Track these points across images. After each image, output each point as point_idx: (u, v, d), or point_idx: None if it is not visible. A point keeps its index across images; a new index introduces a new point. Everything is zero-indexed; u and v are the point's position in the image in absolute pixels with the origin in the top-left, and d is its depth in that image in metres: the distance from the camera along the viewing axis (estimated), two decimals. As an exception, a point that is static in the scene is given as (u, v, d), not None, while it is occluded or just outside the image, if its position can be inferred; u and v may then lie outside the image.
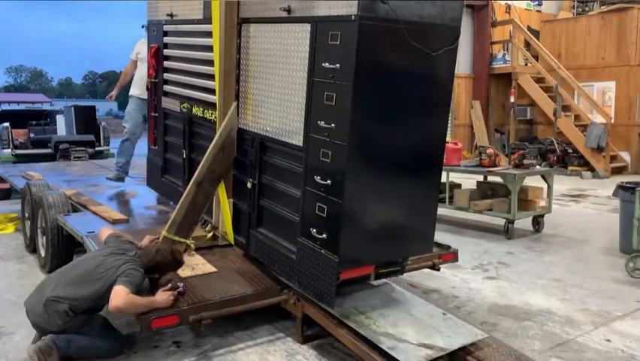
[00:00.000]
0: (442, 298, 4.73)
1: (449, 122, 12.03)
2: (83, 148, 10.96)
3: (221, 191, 4.35)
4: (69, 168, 9.02)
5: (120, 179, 6.79)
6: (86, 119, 12.46)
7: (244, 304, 3.67)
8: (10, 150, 10.94)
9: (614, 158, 13.38)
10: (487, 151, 7.32)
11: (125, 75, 6.95)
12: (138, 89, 6.45)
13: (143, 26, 5.92)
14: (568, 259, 5.99)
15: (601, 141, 12.68)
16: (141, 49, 6.36)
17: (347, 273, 3.41)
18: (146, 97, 6.04)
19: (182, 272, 3.93)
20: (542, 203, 7.08)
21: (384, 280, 3.97)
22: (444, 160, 3.81)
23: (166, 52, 5.36)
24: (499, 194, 7.21)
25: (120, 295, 3.30)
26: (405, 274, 4.02)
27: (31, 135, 12.14)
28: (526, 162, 7.13)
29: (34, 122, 12.83)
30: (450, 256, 4.65)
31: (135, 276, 3.44)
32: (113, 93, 7.33)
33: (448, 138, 9.26)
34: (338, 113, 3.19)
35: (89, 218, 5.24)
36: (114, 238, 3.94)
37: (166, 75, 5.39)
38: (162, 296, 3.43)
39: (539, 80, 14.54)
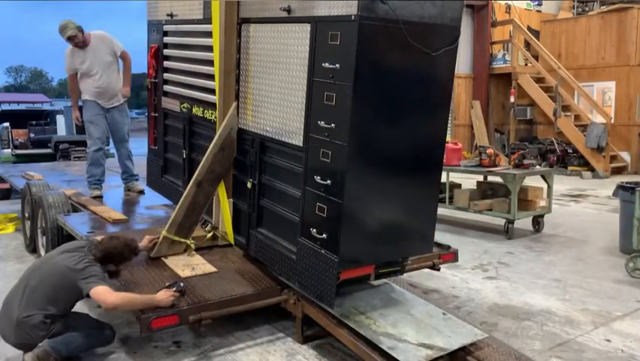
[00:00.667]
0: (442, 298, 4.73)
1: (449, 122, 12.05)
2: (83, 148, 10.92)
3: (221, 191, 4.36)
4: (69, 168, 9.02)
5: (99, 196, 6.08)
6: (86, 120, 12.43)
7: (244, 304, 3.66)
8: (10, 150, 10.94)
9: (614, 158, 13.38)
10: (487, 151, 7.32)
11: (75, 93, 6.22)
12: (89, 94, 6.04)
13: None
14: (568, 259, 5.99)
15: (601, 141, 12.68)
16: (73, 61, 5.97)
17: (347, 273, 3.41)
18: (100, 100, 6.01)
19: (182, 272, 3.93)
20: (542, 203, 7.08)
21: (384, 280, 3.97)
22: (444, 160, 3.81)
23: (166, 52, 5.36)
24: (499, 194, 7.21)
25: (108, 294, 3.28)
26: (405, 274, 4.02)
27: (31, 135, 12.15)
28: (526, 162, 7.13)
29: (34, 122, 12.84)
30: (450, 256, 4.65)
31: (96, 270, 3.39)
32: (77, 114, 6.33)
33: (448, 138, 9.27)
34: (338, 113, 3.19)
35: (89, 218, 5.25)
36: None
37: (166, 75, 5.39)
38: (164, 295, 3.41)
39: (539, 80, 14.54)
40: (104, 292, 3.30)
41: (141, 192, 6.40)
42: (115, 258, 3.64)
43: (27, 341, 3.35)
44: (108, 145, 6.41)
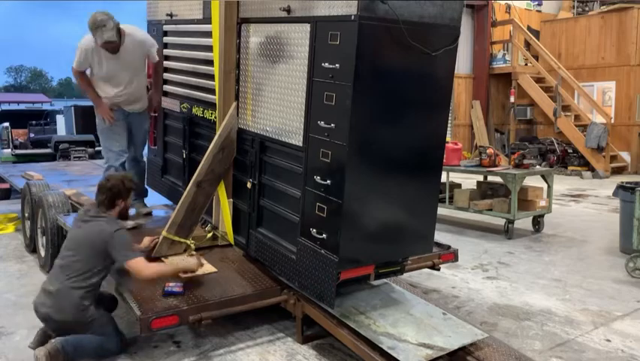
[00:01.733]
0: (442, 298, 4.73)
1: (449, 122, 12.06)
2: (83, 148, 10.96)
3: (221, 191, 4.36)
4: (69, 168, 9.01)
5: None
6: (86, 119, 12.43)
7: (244, 304, 3.66)
8: (10, 150, 10.94)
9: (614, 158, 13.39)
10: (487, 151, 7.33)
11: (90, 86, 4.91)
12: (107, 98, 4.92)
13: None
14: (568, 259, 5.99)
15: (601, 141, 12.68)
16: (89, 59, 4.76)
17: (347, 273, 3.40)
18: (120, 105, 4.94)
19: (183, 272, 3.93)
20: (542, 203, 7.08)
21: (384, 280, 3.97)
22: (444, 160, 3.80)
23: (166, 52, 5.35)
24: (499, 194, 7.21)
25: (144, 268, 3.52)
26: (405, 274, 4.02)
27: (31, 135, 12.15)
28: (526, 162, 7.12)
29: (34, 122, 12.84)
30: (450, 255, 4.65)
31: (124, 236, 3.58)
32: (106, 110, 4.91)
33: (448, 138, 9.29)
34: (338, 113, 3.19)
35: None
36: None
37: (166, 75, 5.39)
38: (191, 260, 3.78)
39: (539, 80, 14.54)
40: (140, 266, 3.51)
41: (149, 214, 5.31)
42: (121, 193, 3.73)
43: (55, 313, 3.44)
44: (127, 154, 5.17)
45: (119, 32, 4.62)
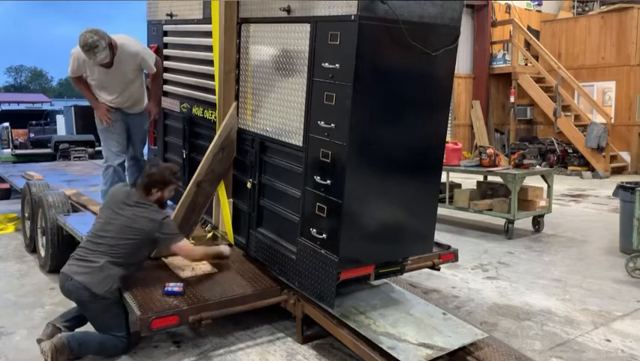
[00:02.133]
0: (442, 298, 4.73)
1: (449, 122, 12.06)
2: (83, 148, 10.94)
3: (221, 191, 4.36)
4: (69, 168, 9.01)
5: None
6: (86, 120, 12.40)
7: (244, 304, 3.66)
8: (10, 150, 10.93)
9: (614, 158, 13.39)
10: (487, 151, 7.33)
11: (87, 89, 4.98)
12: (104, 101, 4.97)
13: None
14: (568, 259, 5.99)
15: (601, 141, 12.68)
16: (81, 68, 4.83)
17: (347, 273, 3.40)
18: (116, 105, 4.96)
19: (183, 272, 3.93)
20: (542, 203, 7.08)
21: (384, 280, 3.97)
22: (444, 160, 3.80)
23: (166, 52, 5.35)
24: (499, 194, 7.21)
25: (191, 249, 3.87)
26: (405, 274, 4.02)
27: (31, 135, 12.14)
28: (526, 162, 7.13)
29: (34, 122, 12.83)
30: (450, 256, 4.65)
31: (170, 223, 3.79)
32: (104, 112, 4.96)
33: (448, 138, 9.29)
34: (338, 113, 3.19)
35: (89, 218, 5.23)
36: (119, 191, 3.97)
37: (166, 75, 5.38)
38: (224, 248, 4.09)
39: (539, 80, 14.54)
40: (189, 247, 3.85)
41: None
42: (158, 183, 3.82)
43: (87, 281, 3.45)
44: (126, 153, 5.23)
45: (112, 47, 4.60)
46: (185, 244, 3.81)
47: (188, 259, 3.93)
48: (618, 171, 13.36)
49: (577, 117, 14.09)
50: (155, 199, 3.81)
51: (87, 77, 4.90)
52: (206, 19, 4.48)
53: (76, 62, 4.78)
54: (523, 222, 7.28)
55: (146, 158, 5.79)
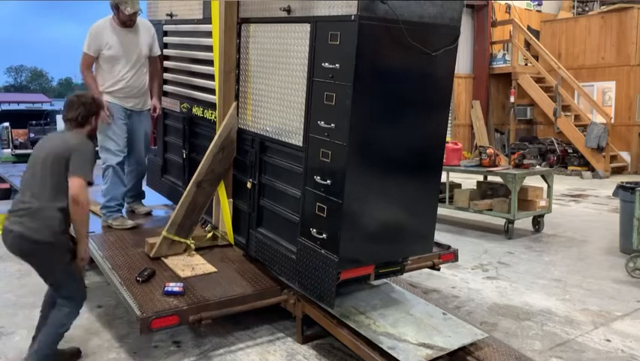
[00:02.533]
0: (442, 298, 4.73)
1: (449, 122, 12.05)
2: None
3: (221, 191, 4.36)
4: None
5: (123, 224, 4.89)
6: (86, 120, 12.43)
7: (244, 304, 3.66)
8: (10, 150, 10.94)
9: (614, 158, 13.38)
10: (487, 151, 7.32)
11: (94, 80, 4.85)
12: (108, 94, 4.84)
13: None
14: (568, 259, 5.99)
15: (601, 141, 12.68)
16: (99, 40, 4.76)
17: (347, 273, 3.40)
18: (122, 101, 4.87)
19: (182, 272, 3.93)
20: (542, 203, 7.08)
21: (384, 280, 3.97)
22: (444, 160, 3.81)
23: (166, 52, 5.36)
24: (499, 194, 7.21)
25: (84, 192, 3.15)
26: (405, 274, 4.02)
27: (31, 135, 12.13)
28: (526, 162, 7.13)
29: (34, 122, 12.82)
30: (450, 255, 4.66)
31: (90, 149, 3.28)
32: (108, 113, 4.77)
33: (448, 138, 9.29)
34: (338, 113, 3.19)
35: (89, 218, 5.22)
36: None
37: (166, 75, 5.39)
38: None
39: (539, 80, 14.53)
40: (82, 187, 3.15)
41: (148, 214, 5.35)
42: (91, 112, 3.46)
43: (32, 233, 3.14)
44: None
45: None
46: (81, 185, 3.15)
47: (73, 200, 3.15)
48: (618, 171, 13.36)
49: (577, 117, 14.09)
50: (88, 130, 3.47)
51: (103, 51, 4.76)
52: (206, 19, 4.48)
53: (94, 35, 4.74)
54: (523, 223, 7.28)
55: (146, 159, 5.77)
